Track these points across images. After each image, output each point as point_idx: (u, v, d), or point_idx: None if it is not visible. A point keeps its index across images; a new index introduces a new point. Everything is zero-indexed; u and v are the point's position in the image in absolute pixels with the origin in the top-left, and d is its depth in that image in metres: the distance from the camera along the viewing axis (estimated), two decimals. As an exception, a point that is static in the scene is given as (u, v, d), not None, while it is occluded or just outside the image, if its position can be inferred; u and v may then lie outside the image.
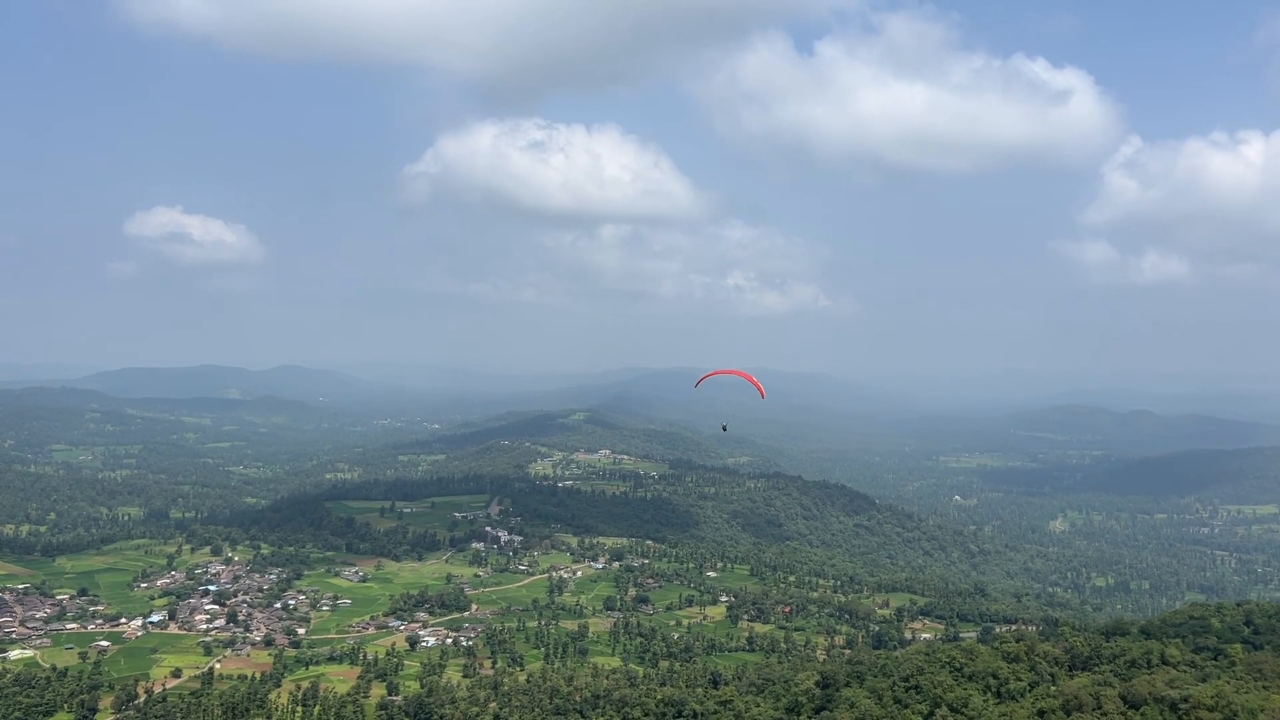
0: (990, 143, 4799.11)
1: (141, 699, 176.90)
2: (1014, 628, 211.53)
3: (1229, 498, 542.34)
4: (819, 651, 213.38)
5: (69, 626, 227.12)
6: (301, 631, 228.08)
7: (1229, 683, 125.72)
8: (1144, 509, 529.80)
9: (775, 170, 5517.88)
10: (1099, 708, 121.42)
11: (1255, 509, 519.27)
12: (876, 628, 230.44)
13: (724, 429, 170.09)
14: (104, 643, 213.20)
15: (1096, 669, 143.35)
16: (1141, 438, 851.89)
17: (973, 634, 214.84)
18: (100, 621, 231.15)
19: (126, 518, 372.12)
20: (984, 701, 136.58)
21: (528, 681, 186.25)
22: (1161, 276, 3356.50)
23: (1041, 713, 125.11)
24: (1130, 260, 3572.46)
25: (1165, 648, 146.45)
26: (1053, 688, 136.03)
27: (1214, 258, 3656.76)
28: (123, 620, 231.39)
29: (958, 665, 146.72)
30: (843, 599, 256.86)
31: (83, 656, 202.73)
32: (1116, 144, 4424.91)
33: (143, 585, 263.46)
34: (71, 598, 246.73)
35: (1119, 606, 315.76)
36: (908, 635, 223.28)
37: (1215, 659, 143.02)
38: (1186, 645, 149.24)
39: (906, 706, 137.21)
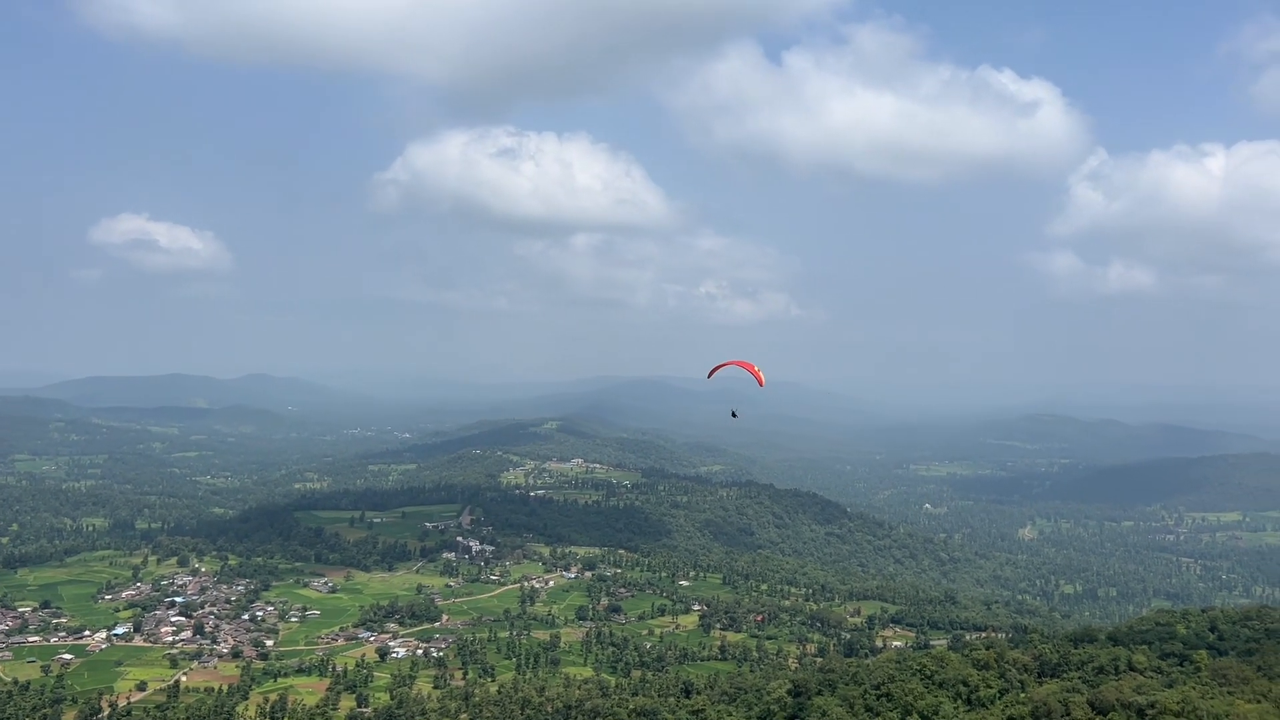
0: (959, 153, 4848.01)
1: (105, 713, 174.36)
2: (984, 635, 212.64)
3: (1194, 505, 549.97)
4: (791, 660, 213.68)
5: (31, 639, 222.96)
6: (269, 643, 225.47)
7: (1194, 688, 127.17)
8: (1111, 516, 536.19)
9: (747, 180, 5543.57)
10: (1067, 714, 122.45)
11: (1220, 516, 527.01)
12: (848, 636, 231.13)
13: (734, 415, 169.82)
14: (67, 656, 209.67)
15: (1065, 676, 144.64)
16: (1109, 446, 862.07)
17: (943, 641, 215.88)
18: (63, 634, 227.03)
19: (91, 529, 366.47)
20: (954, 709, 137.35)
21: (499, 692, 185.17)
22: (1128, 287, 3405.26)
23: (1011, 719, 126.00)
24: (1096, 271, 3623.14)
25: (1132, 654, 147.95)
26: (1022, 695, 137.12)
27: (1179, 268, 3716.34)
28: (86, 633, 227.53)
29: (928, 673, 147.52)
30: (814, 607, 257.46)
31: (45, 670, 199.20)
32: (1083, 156, 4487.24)
33: (107, 597, 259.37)
34: (34, 610, 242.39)
35: (1087, 613, 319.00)
36: (879, 643, 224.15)
37: (1181, 665, 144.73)
38: (1153, 652, 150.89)
39: (878, 714, 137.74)
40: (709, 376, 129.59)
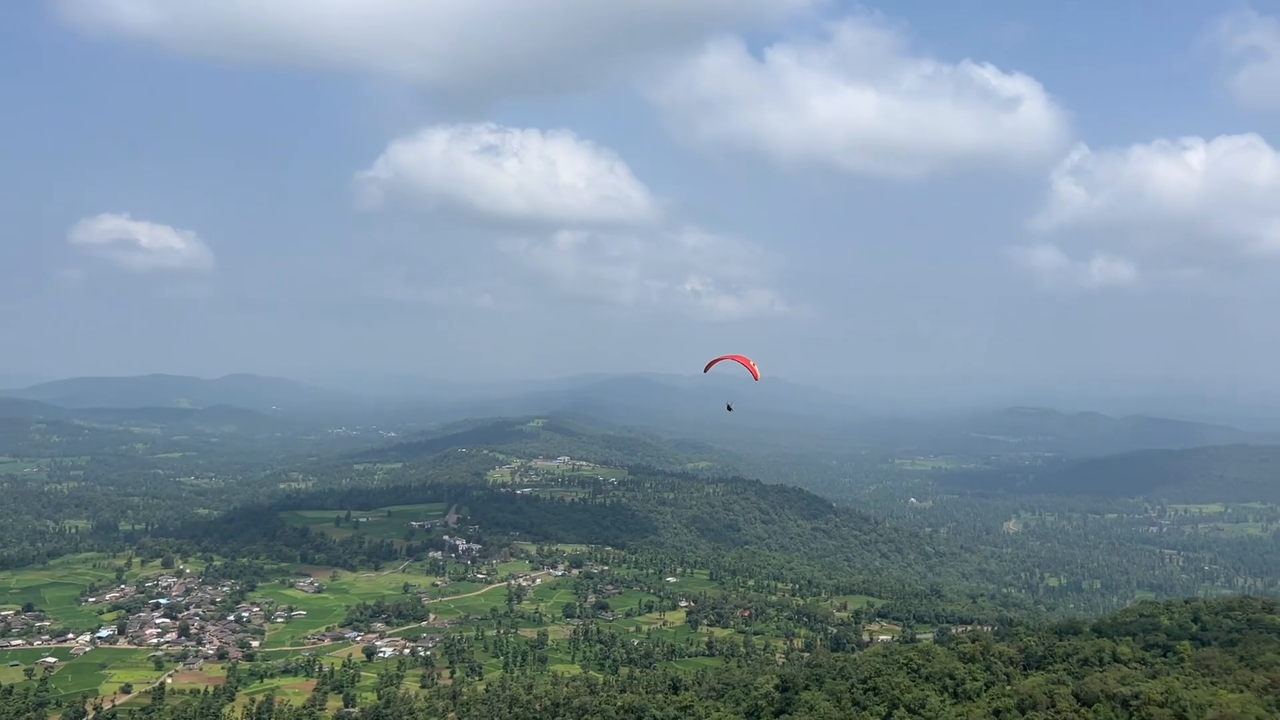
0: (942, 149, 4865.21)
1: (90, 716, 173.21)
2: (969, 628, 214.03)
3: (1176, 497, 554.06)
4: (778, 655, 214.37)
5: (14, 643, 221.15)
6: (255, 644, 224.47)
7: (1178, 679, 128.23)
8: (1095, 509, 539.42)
9: (731, 176, 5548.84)
10: (1053, 706, 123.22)
11: (1201, 508, 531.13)
12: (835, 630, 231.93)
13: (729, 408, 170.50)
14: (51, 659, 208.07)
15: (1050, 668, 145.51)
16: (1091, 439, 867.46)
17: (929, 635, 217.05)
18: (47, 637, 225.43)
19: (74, 531, 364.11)
20: (941, 702, 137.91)
21: (487, 691, 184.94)
22: (1109, 281, 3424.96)
23: (997, 712, 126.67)
24: (1079, 265, 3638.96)
25: (1116, 646, 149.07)
26: (1008, 687, 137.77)
27: (1160, 262, 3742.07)
28: (70, 636, 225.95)
29: (915, 666, 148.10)
30: (801, 602, 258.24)
31: (29, 674, 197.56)
32: (1065, 150, 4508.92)
33: (91, 600, 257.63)
34: (16, 613, 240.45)
35: (1071, 606, 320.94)
36: (865, 637, 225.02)
37: (1165, 656, 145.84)
38: (1137, 643, 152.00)
39: (865, 708, 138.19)
40: (705, 370, 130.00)
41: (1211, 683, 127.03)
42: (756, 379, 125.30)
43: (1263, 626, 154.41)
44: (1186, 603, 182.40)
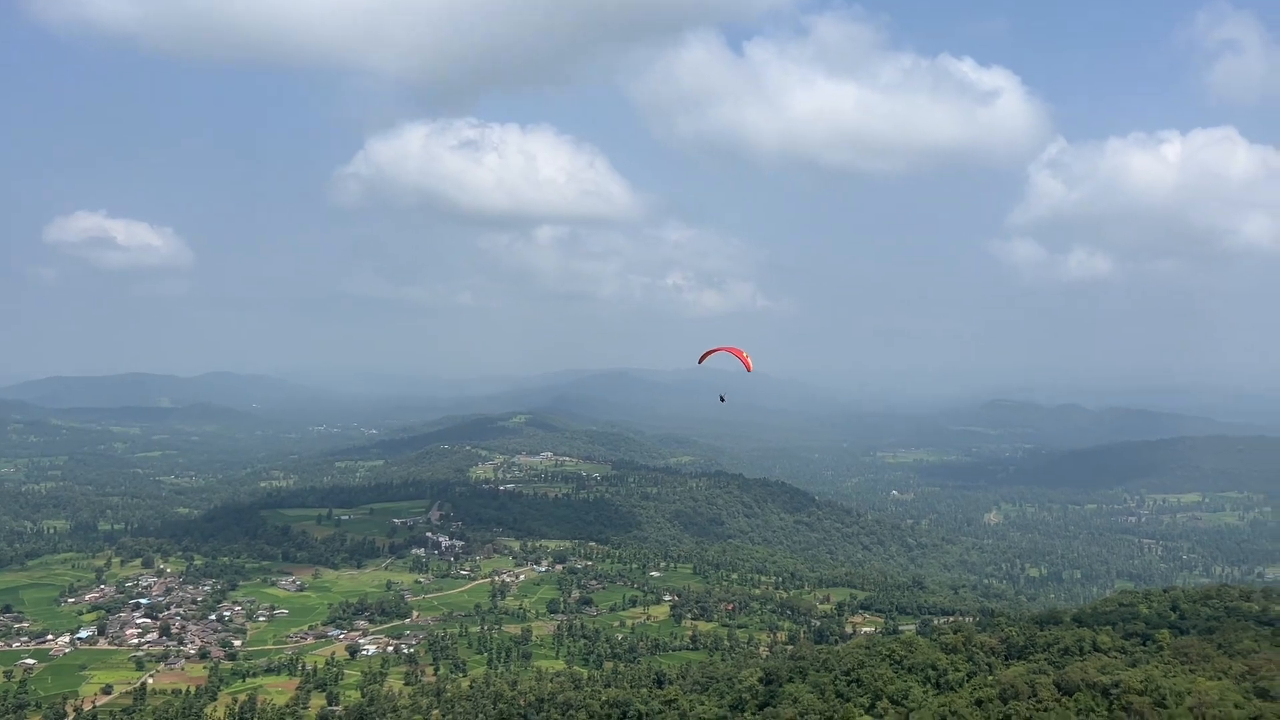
0: (921, 143, 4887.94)
1: (70, 717, 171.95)
2: (952, 619, 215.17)
3: (1155, 487, 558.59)
4: (762, 648, 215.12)
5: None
6: (237, 643, 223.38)
7: (1157, 667, 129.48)
8: (1074, 500, 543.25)
9: (712, 171, 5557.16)
10: (1034, 695, 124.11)
11: (1179, 497, 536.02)
12: (818, 623, 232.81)
13: (722, 400, 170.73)
14: (30, 660, 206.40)
15: (1031, 657, 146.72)
16: (1071, 431, 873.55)
17: (912, 626, 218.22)
18: (26, 639, 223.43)
19: (52, 531, 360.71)
20: (924, 693, 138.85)
21: (471, 687, 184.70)
22: (1088, 274, 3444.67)
23: (979, 702, 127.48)
24: (1057, 258, 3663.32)
25: (1097, 635, 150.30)
26: (990, 677, 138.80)
27: (1137, 255, 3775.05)
28: (49, 637, 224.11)
29: (898, 658, 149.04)
30: (784, 595, 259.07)
31: (8, 675, 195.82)
32: (1043, 144, 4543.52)
33: (70, 600, 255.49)
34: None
35: (1052, 596, 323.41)
36: (848, 629, 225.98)
37: (1144, 644, 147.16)
38: (1117, 632, 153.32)
39: (848, 700, 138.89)
40: (700, 361, 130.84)
41: (1190, 670, 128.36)
42: (749, 370, 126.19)
43: (1240, 614, 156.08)
44: (1165, 592, 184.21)
